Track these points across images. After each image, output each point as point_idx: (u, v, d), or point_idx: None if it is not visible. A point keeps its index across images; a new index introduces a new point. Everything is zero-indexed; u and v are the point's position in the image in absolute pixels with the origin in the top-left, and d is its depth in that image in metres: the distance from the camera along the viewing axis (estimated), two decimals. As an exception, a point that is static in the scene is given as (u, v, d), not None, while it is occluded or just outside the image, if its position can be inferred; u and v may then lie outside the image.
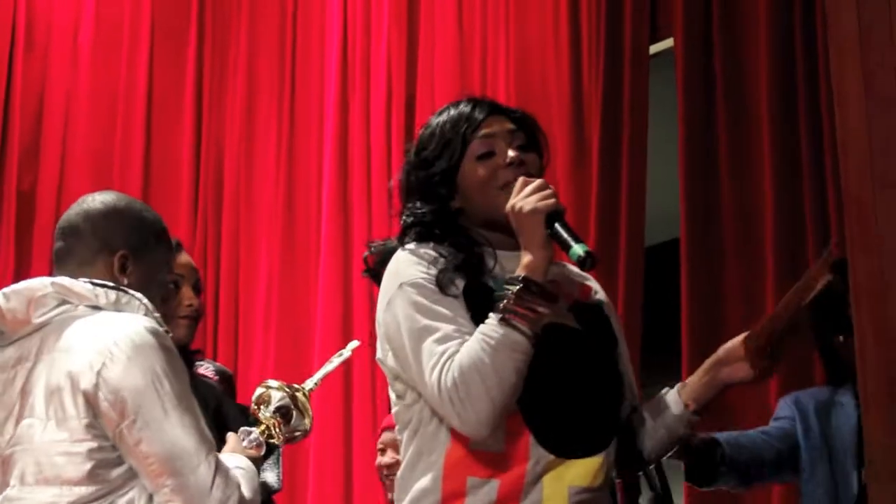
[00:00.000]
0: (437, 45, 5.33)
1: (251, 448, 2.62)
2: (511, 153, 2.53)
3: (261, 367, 5.45)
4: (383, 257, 2.55)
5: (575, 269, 2.58)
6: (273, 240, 5.82)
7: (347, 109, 5.63)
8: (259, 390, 2.81)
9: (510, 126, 2.59)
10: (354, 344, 3.03)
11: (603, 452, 2.42)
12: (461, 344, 2.35)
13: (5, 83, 6.07)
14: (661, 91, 4.49)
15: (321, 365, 3.00)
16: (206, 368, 3.92)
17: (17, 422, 2.36)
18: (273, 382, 2.84)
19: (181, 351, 2.97)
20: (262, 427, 2.72)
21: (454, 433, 2.41)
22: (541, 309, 2.32)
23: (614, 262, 4.34)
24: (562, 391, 2.43)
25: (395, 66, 5.46)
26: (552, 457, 2.39)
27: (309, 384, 2.85)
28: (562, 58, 4.69)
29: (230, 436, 2.64)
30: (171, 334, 2.50)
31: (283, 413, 2.76)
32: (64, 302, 2.43)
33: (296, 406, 2.77)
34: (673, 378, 4.10)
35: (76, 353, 2.34)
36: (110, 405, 2.30)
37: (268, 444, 2.71)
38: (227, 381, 3.99)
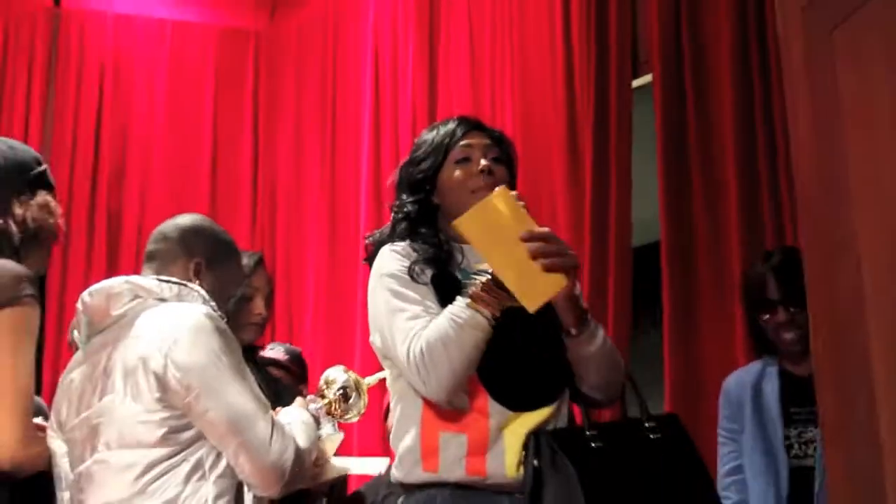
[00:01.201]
0: (453, 86, 5.35)
1: (314, 413, 2.65)
2: (483, 162, 2.58)
3: (311, 353, 5.46)
4: (376, 248, 2.60)
5: None
6: (320, 244, 5.86)
7: (379, 136, 5.66)
8: (328, 372, 2.83)
9: (487, 141, 2.64)
10: None
11: (554, 403, 2.44)
12: (429, 321, 2.38)
13: (95, 118, 6.12)
14: (642, 118, 4.50)
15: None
16: (276, 351, 3.93)
17: (101, 397, 2.39)
18: (340, 367, 2.85)
19: (246, 349, 2.99)
20: (326, 402, 2.75)
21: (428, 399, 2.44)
22: (502, 297, 2.35)
23: (605, 262, 4.35)
24: (510, 356, 2.44)
25: (419, 100, 5.49)
26: (509, 412, 2.41)
27: (369, 379, 2.86)
28: (558, 90, 4.70)
29: (298, 399, 2.67)
30: (227, 320, 2.52)
31: (343, 393, 2.78)
32: (136, 296, 2.46)
33: (356, 389, 2.78)
34: (656, 357, 4.15)
35: (146, 339, 2.37)
36: (178, 382, 2.32)
37: (325, 413, 2.73)
38: (297, 358, 3.99)
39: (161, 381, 2.33)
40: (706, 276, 4.16)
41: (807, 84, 2.28)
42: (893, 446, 2.01)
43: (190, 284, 2.50)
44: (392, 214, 2.67)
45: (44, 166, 2.79)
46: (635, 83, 4.61)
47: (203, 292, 2.50)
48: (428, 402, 2.44)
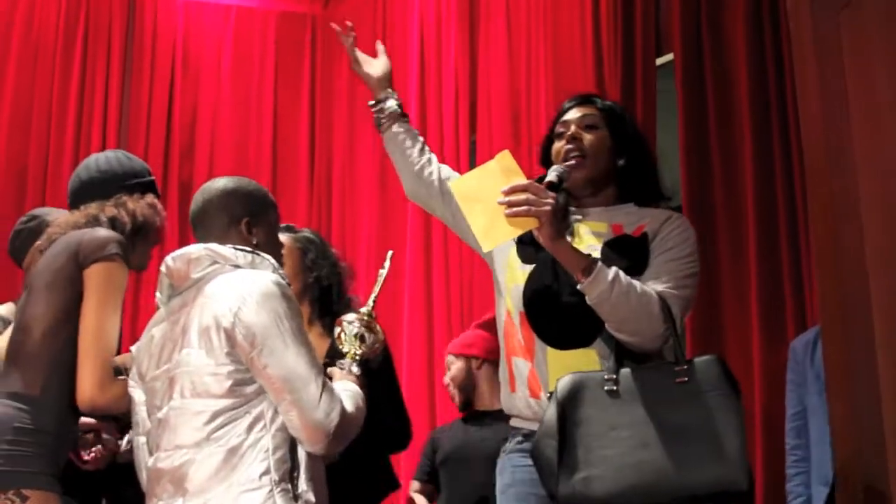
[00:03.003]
0: (492, 66, 5.34)
1: (350, 376, 2.63)
2: (571, 131, 2.61)
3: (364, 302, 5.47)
4: None
5: (645, 211, 2.57)
6: (371, 212, 5.86)
7: (425, 113, 5.65)
8: (335, 330, 2.77)
9: (582, 113, 2.65)
10: (390, 254, 2.90)
11: (592, 345, 2.43)
12: None
13: (168, 97, 6.16)
14: (665, 93, 4.48)
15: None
16: None
17: (180, 351, 2.41)
18: (346, 317, 2.77)
19: None
20: (350, 353, 2.70)
21: (506, 325, 2.56)
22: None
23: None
24: (552, 302, 2.47)
25: (461, 79, 5.48)
26: (550, 348, 2.46)
27: (367, 307, 2.81)
28: (588, 68, 4.69)
29: (332, 370, 2.63)
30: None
31: (359, 337, 2.74)
32: (214, 262, 2.46)
33: (366, 328, 2.75)
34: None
35: (220, 300, 2.38)
36: (244, 338, 2.33)
37: (358, 364, 2.69)
38: None
39: (230, 337, 2.35)
40: (724, 238, 4.17)
41: (815, 60, 2.27)
42: (891, 393, 2.00)
43: (262, 254, 2.50)
44: None
45: (153, 177, 2.95)
46: (659, 61, 4.58)
47: (273, 261, 2.50)
48: (505, 334, 2.56)
